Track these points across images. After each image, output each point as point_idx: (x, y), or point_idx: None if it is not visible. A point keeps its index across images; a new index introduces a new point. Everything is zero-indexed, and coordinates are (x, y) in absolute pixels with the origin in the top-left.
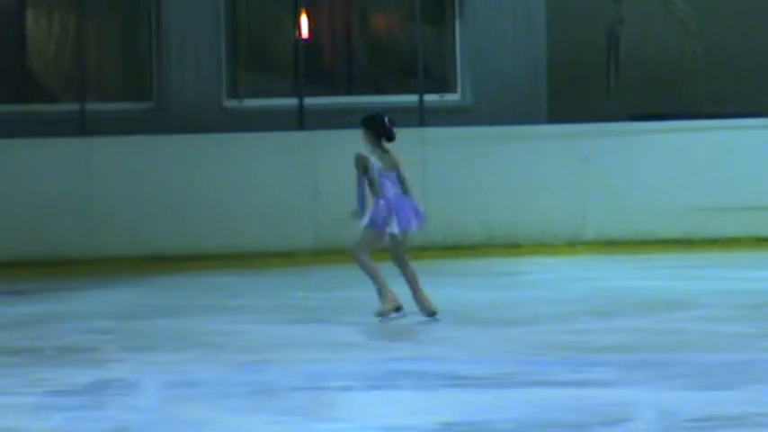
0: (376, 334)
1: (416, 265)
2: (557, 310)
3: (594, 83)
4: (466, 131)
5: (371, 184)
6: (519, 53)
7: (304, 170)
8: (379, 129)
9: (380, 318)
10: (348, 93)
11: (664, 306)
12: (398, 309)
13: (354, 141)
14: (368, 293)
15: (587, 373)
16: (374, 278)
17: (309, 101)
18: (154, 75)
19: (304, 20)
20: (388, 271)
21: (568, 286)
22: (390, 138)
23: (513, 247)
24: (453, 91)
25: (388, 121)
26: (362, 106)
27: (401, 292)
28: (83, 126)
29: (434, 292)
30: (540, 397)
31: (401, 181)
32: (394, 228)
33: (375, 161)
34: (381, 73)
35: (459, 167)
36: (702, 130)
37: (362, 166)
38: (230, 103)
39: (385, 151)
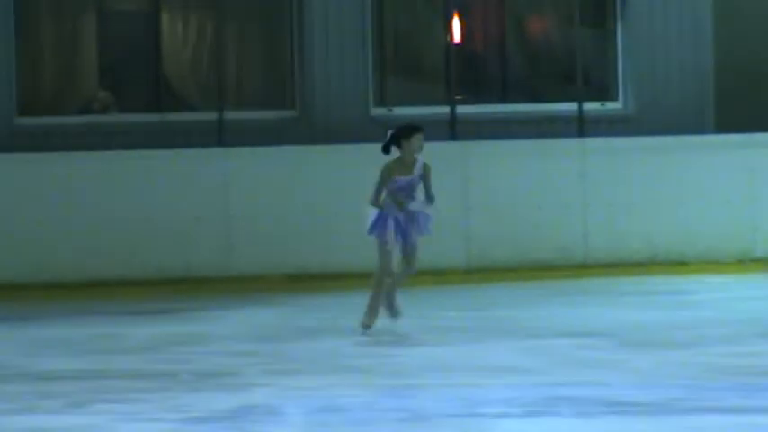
0: (533, 357)
1: (577, 283)
2: (725, 331)
3: (765, 88)
4: (628, 142)
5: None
6: (685, 57)
7: (456, 183)
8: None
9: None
10: (503, 101)
11: None
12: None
13: (510, 152)
14: (524, 314)
15: (760, 399)
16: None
17: (462, 109)
18: (296, 81)
19: (456, 23)
20: None
21: (738, 306)
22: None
23: (678, 265)
24: (615, 99)
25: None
26: (518, 115)
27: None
28: (221, 136)
29: (595, 312)
30: (709, 424)
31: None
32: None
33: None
34: (538, 80)
35: (621, 180)
36: None
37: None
38: (378, 112)
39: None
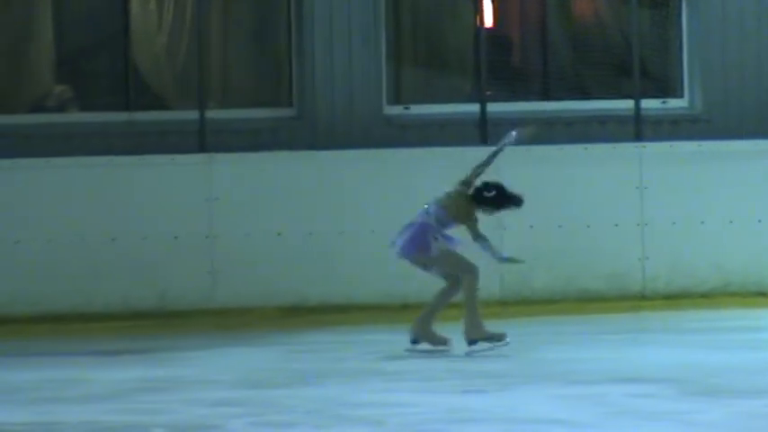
0: (579, 407)
1: (633, 318)
2: None
3: None
4: (695, 147)
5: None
6: (764, 46)
7: None
8: None
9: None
10: (544, 97)
11: None
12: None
13: (553, 159)
14: (569, 355)
15: None
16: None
17: (494, 107)
18: (294, 74)
19: (487, 3)
20: None
21: None
22: None
23: (755, 297)
24: (679, 95)
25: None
26: (562, 114)
27: None
28: (203, 139)
29: (655, 354)
30: None
31: None
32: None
33: None
34: (586, 72)
35: (686, 193)
36: None
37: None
38: (393, 110)
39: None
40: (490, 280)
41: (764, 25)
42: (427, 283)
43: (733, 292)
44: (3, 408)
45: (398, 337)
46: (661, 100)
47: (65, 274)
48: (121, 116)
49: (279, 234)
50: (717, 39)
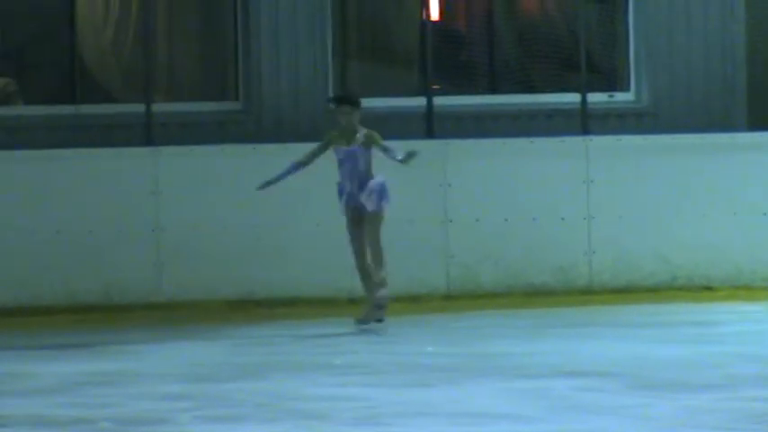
0: (526, 401)
1: (579, 312)
2: (759, 370)
3: None
4: (642, 141)
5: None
6: (711, 40)
7: (433, 189)
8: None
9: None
10: (490, 90)
11: None
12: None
13: (499, 153)
14: (515, 349)
15: None
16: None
17: (441, 101)
18: (240, 67)
19: None
20: None
21: None
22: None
23: (702, 291)
24: (626, 89)
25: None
26: (509, 108)
27: None
28: (149, 132)
29: (602, 347)
30: None
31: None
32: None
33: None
34: (533, 66)
35: (634, 187)
36: None
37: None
38: None
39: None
40: (436, 273)
41: (711, 20)
42: None
43: (680, 286)
44: None
45: (346, 331)
46: (608, 94)
47: (10, 268)
48: (67, 109)
49: (225, 227)
50: (663, 33)
